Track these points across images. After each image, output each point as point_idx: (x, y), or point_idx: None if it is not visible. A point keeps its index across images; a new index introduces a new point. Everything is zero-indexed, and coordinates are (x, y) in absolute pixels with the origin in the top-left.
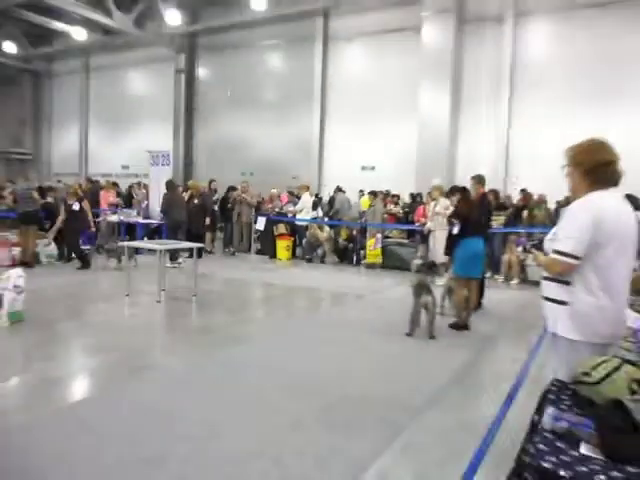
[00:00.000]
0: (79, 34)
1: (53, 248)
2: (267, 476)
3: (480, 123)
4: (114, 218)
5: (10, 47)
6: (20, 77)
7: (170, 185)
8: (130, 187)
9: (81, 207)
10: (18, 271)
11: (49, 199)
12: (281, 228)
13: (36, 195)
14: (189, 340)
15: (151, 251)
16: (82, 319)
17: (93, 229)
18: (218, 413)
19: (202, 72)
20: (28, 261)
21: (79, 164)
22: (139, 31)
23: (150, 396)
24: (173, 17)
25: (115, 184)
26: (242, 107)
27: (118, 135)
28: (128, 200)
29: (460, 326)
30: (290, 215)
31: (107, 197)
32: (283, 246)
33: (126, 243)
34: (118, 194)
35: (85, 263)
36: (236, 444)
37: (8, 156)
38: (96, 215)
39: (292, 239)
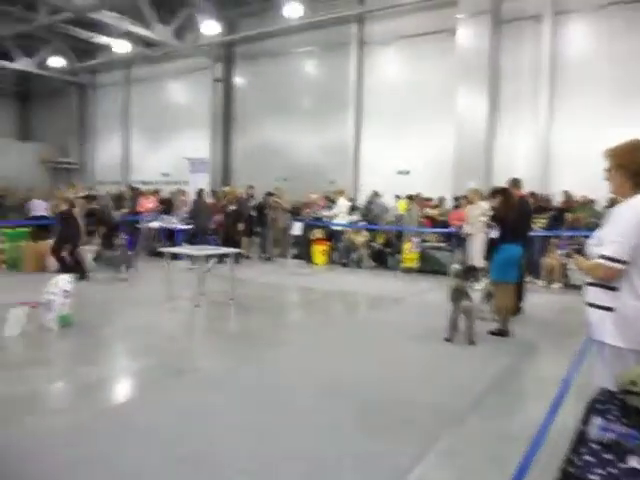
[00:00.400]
0: (121, 47)
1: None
2: (305, 479)
3: (519, 125)
4: (155, 224)
5: (57, 61)
6: (67, 89)
7: (199, 193)
8: (172, 194)
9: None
10: (66, 277)
11: (95, 205)
12: (317, 233)
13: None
14: (228, 344)
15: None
16: (125, 323)
17: (83, 238)
18: (256, 415)
19: (239, 80)
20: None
21: (121, 172)
22: (178, 42)
23: (190, 398)
24: (211, 27)
25: (157, 191)
26: (278, 113)
27: (158, 143)
28: (170, 207)
29: (501, 332)
30: (326, 220)
31: (146, 203)
32: (319, 251)
33: (166, 249)
34: (162, 201)
35: (80, 273)
36: (273, 446)
37: (56, 165)
38: (136, 221)
39: (328, 244)
